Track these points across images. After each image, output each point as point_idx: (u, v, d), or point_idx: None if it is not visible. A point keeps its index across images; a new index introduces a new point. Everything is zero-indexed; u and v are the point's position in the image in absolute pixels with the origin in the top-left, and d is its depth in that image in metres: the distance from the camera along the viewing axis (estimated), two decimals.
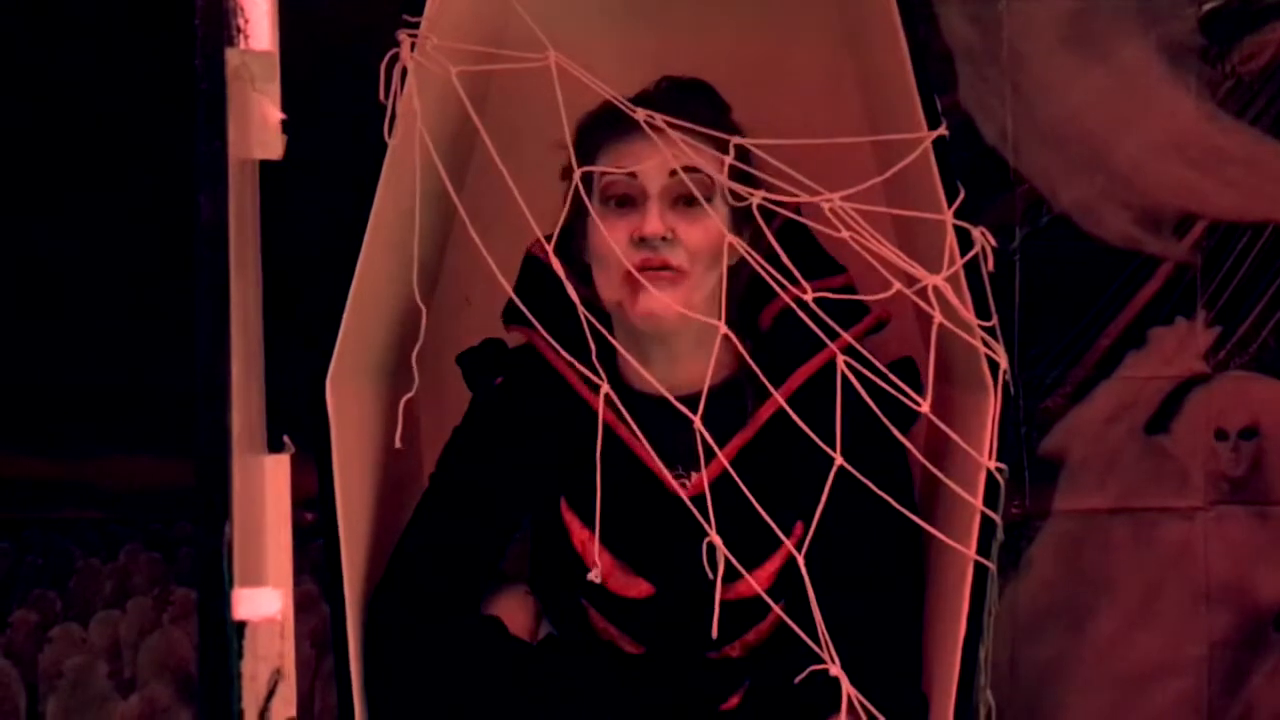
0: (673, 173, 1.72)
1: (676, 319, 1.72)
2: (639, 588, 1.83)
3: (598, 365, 1.64)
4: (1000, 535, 1.72)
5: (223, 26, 1.25)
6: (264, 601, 1.22)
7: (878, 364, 1.62)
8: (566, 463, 1.82)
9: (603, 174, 1.76)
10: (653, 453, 1.71)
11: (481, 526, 1.87)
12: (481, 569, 1.88)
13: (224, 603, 1.19)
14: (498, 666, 1.82)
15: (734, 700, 1.86)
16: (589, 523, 1.76)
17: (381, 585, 1.85)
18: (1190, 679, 2.47)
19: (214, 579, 1.19)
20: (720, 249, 1.72)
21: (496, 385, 1.90)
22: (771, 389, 1.67)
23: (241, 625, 1.22)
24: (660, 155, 1.69)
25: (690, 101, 1.81)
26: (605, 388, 1.64)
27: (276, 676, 1.25)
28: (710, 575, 1.60)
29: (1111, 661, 2.47)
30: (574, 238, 1.80)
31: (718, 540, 1.59)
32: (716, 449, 1.65)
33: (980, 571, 1.71)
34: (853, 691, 1.57)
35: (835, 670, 1.57)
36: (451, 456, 1.90)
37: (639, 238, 1.74)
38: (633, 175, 1.75)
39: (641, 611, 1.84)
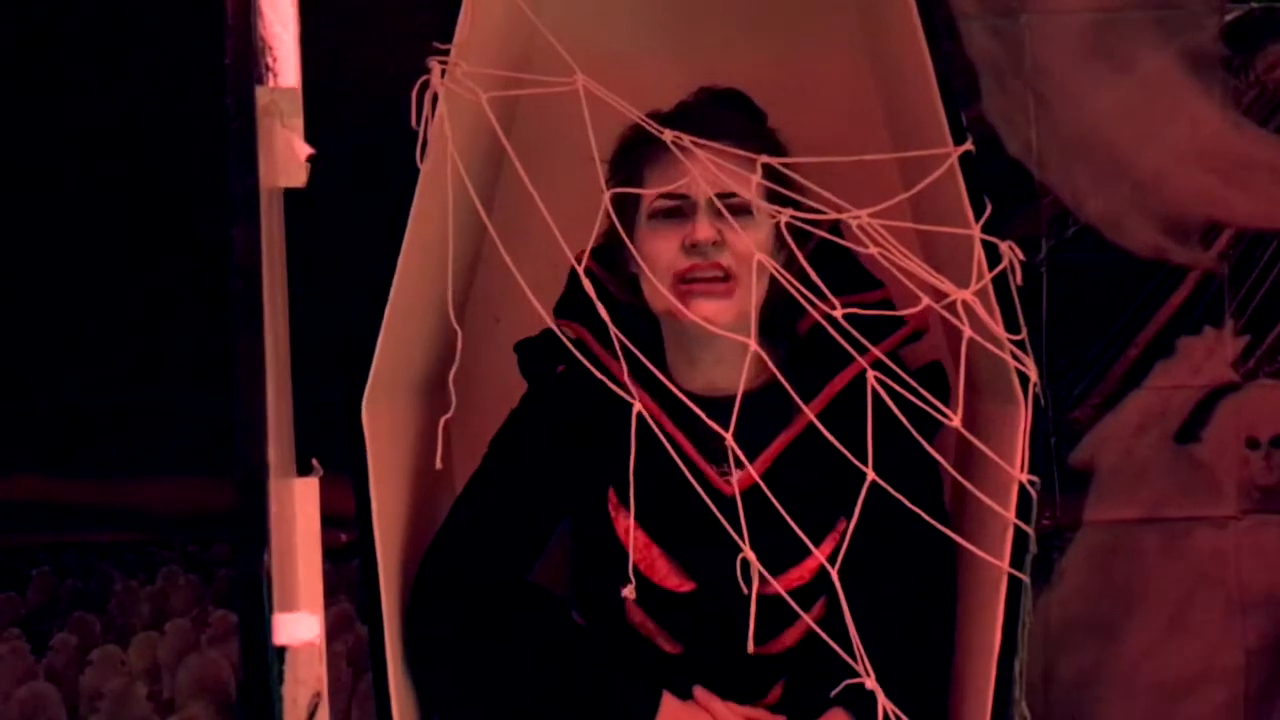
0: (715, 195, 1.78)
1: (730, 322, 1.77)
2: (681, 582, 1.86)
3: (653, 368, 1.70)
4: (1033, 547, 1.72)
5: (252, 65, 1.26)
6: (303, 626, 1.24)
7: (908, 379, 1.63)
8: (616, 454, 1.84)
9: (652, 189, 1.82)
10: (695, 455, 1.75)
11: (530, 511, 1.91)
12: (526, 551, 1.91)
13: (265, 629, 1.21)
14: (550, 630, 1.85)
15: (774, 693, 1.89)
16: (635, 514, 1.80)
17: (429, 555, 1.88)
18: (1226, 688, 2.46)
19: (255, 606, 1.21)
20: (768, 254, 1.78)
21: (559, 373, 1.93)
22: (801, 404, 1.70)
23: (282, 650, 1.23)
24: (706, 171, 1.75)
25: (727, 111, 1.89)
26: (676, 391, 1.71)
27: (316, 700, 1.26)
28: (746, 578, 1.62)
29: (1146, 672, 2.46)
30: (619, 250, 1.85)
31: (751, 555, 1.60)
32: (740, 462, 1.67)
33: (1014, 583, 1.71)
34: (889, 705, 1.57)
35: (870, 684, 1.58)
36: (506, 439, 1.94)
37: (690, 244, 1.80)
38: (683, 196, 1.80)
39: (681, 606, 1.87)
